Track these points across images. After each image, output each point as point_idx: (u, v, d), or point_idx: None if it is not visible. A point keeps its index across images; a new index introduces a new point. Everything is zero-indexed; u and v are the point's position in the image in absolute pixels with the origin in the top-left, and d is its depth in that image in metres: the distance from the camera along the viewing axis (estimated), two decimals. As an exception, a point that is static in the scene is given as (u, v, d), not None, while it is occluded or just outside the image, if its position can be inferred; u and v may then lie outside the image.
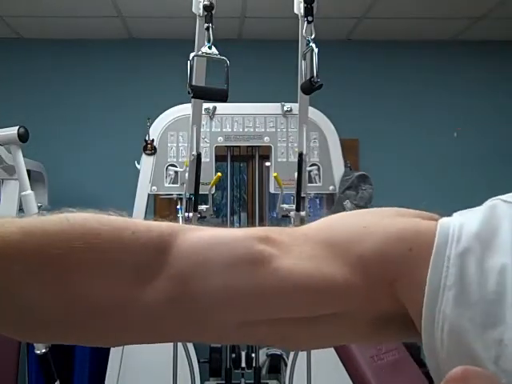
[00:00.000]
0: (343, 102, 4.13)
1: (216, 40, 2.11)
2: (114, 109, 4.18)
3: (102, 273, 0.53)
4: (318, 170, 3.15)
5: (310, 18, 2.14)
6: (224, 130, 3.17)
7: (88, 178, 4.10)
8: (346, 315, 0.56)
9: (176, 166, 3.11)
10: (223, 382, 3.18)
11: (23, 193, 2.57)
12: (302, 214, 2.91)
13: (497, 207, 0.54)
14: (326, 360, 2.75)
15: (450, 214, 0.58)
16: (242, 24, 4.06)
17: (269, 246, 0.55)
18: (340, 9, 3.79)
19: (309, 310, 0.56)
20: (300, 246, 0.56)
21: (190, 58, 2.10)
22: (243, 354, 3.16)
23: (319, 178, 3.15)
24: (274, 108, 3.19)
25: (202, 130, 2.83)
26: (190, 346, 2.99)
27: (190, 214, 2.86)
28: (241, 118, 3.18)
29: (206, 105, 2.93)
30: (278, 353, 3.22)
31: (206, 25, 2.12)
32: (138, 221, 0.56)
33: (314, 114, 3.02)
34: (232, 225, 3.54)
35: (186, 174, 2.85)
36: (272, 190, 3.16)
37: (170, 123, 3.16)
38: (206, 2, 2.14)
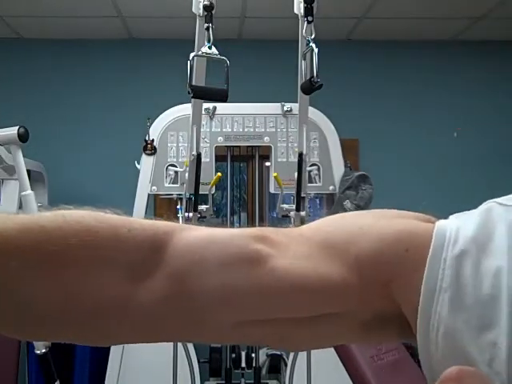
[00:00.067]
0: (343, 102, 4.13)
1: (216, 40, 2.11)
2: (114, 109, 4.19)
3: (97, 270, 0.53)
4: (318, 170, 3.15)
5: (309, 18, 2.14)
6: (224, 130, 3.17)
7: (88, 178, 4.10)
8: (343, 315, 0.56)
9: (176, 166, 3.11)
10: (223, 382, 3.18)
11: (23, 193, 2.57)
12: (302, 213, 2.91)
13: (492, 210, 0.55)
14: (326, 360, 2.75)
15: (449, 214, 0.58)
16: (242, 24, 4.06)
17: (266, 245, 0.55)
18: (340, 9, 3.79)
19: (305, 310, 0.56)
20: (297, 246, 0.56)
21: (190, 58, 2.10)
22: (243, 353, 3.16)
23: (319, 178, 3.15)
24: (273, 108, 3.20)
25: (202, 130, 2.83)
26: (190, 346, 3.00)
27: (190, 214, 2.86)
28: (241, 118, 3.18)
29: (205, 105, 2.93)
30: (278, 353, 3.22)
31: (206, 25, 2.13)
32: (133, 219, 0.56)
33: (314, 114, 3.02)
34: (232, 225, 3.54)
35: (186, 174, 2.85)
36: (272, 190, 3.16)
37: (170, 123, 3.16)
38: (205, 2, 2.14)
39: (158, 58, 4.20)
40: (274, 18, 3.85)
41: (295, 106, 2.93)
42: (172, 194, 3.13)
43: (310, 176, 3.09)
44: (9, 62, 4.21)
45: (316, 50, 2.05)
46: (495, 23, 4.03)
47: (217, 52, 2.10)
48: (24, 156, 2.65)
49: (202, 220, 2.99)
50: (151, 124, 3.11)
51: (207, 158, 3.07)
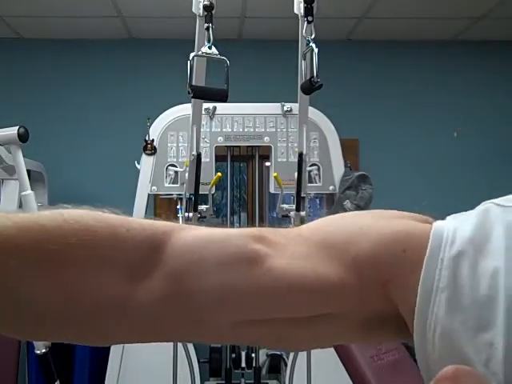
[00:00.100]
0: (343, 102, 4.13)
1: (216, 40, 2.11)
2: (114, 109, 4.19)
3: (96, 270, 0.53)
4: (318, 170, 3.15)
5: (309, 18, 2.14)
6: (224, 130, 3.17)
7: (88, 178, 4.10)
8: (340, 316, 0.56)
9: (176, 166, 3.11)
10: (223, 382, 3.18)
11: (23, 193, 2.57)
12: (302, 213, 2.91)
13: (490, 211, 0.55)
14: (326, 360, 2.75)
15: (449, 214, 0.58)
16: (242, 24, 4.06)
17: (264, 245, 0.55)
18: (340, 9, 3.79)
19: (303, 310, 0.56)
20: (295, 246, 0.56)
21: (190, 58, 2.10)
22: (243, 353, 3.16)
23: (319, 178, 3.15)
24: (273, 108, 3.20)
25: (202, 130, 2.83)
26: (190, 346, 3.00)
27: (190, 214, 2.86)
28: (241, 118, 3.18)
29: (205, 105, 2.93)
30: (278, 353, 3.22)
31: (206, 25, 2.13)
32: (132, 219, 0.56)
33: (314, 113, 3.02)
34: (232, 225, 3.54)
35: (186, 174, 2.85)
36: (272, 190, 3.16)
37: (170, 123, 3.16)
38: (205, 2, 2.14)
39: (158, 57, 4.20)
40: (274, 18, 3.85)
41: (295, 106, 2.93)
42: (172, 194, 3.13)
43: (310, 176, 3.09)
44: (9, 61, 4.21)
45: (316, 50, 2.05)
46: (495, 23, 4.03)
47: (217, 52, 2.10)
48: (24, 156, 2.65)
49: (201, 220, 2.99)
50: (151, 124, 3.11)
51: (207, 158, 3.07)
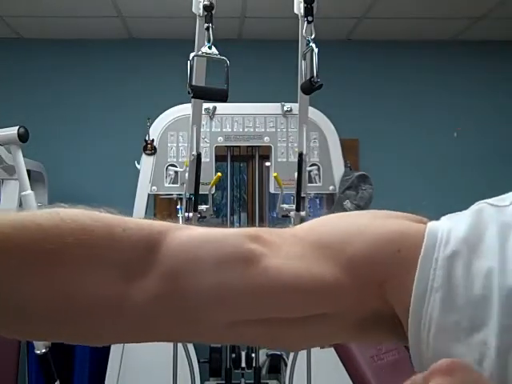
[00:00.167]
0: (343, 102, 4.13)
1: (216, 40, 2.11)
2: (114, 109, 4.19)
3: (93, 269, 0.53)
4: (318, 170, 3.15)
5: (309, 18, 2.14)
6: (224, 130, 3.17)
7: (88, 178, 4.10)
8: (336, 316, 0.56)
9: (176, 166, 3.11)
10: (223, 382, 3.18)
11: (23, 193, 2.57)
12: (302, 213, 2.91)
13: (484, 211, 0.55)
14: (326, 360, 2.75)
15: (445, 214, 0.58)
16: (242, 24, 4.06)
17: (259, 245, 0.55)
18: (340, 9, 3.79)
19: (298, 310, 0.56)
20: (290, 246, 0.56)
21: (190, 58, 2.10)
22: (243, 353, 3.16)
23: (319, 178, 3.15)
24: (273, 108, 3.19)
25: (202, 130, 2.83)
26: (190, 346, 3.00)
27: (190, 214, 2.86)
28: (241, 117, 3.18)
29: (205, 105, 2.93)
30: (278, 353, 3.22)
31: (206, 25, 2.13)
32: (128, 218, 0.56)
33: (314, 113, 3.02)
34: (232, 225, 3.54)
35: (186, 174, 2.85)
36: (272, 190, 3.16)
37: (170, 123, 3.16)
38: (205, 2, 2.14)
39: (158, 57, 4.20)
40: (274, 18, 3.85)
41: (295, 106, 2.93)
42: (172, 194, 3.13)
43: (310, 176, 3.09)
44: (9, 61, 4.21)
45: (316, 50, 2.05)
46: (495, 23, 4.03)
47: (217, 52, 2.10)
48: (24, 156, 2.65)
49: (201, 220, 2.99)
50: (151, 124, 3.11)
51: (207, 158, 3.07)
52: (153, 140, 3.10)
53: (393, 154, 4.21)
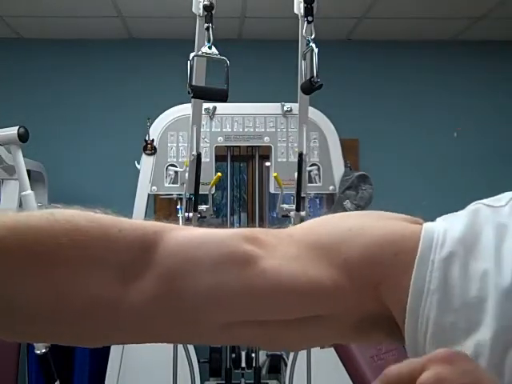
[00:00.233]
0: (343, 102, 4.13)
1: (216, 40, 2.11)
2: (114, 109, 4.18)
3: (87, 270, 0.53)
4: (318, 170, 3.15)
5: (310, 18, 2.14)
6: (224, 129, 3.17)
7: (88, 178, 4.09)
8: (332, 317, 0.56)
9: (176, 166, 3.11)
10: (223, 382, 3.18)
11: (23, 193, 2.58)
12: (302, 213, 2.91)
13: (479, 211, 0.55)
14: (326, 360, 2.75)
15: (445, 214, 0.58)
16: (242, 24, 4.06)
17: (256, 246, 0.55)
18: (340, 9, 3.79)
19: (295, 312, 0.56)
20: (286, 247, 0.56)
21: (190, 58, 2.10)
22: (243, 353, 3.15)
23: (319, 177, 3.15)
24: (273, 108, 3.19)
25: (202, 130, 2.83)
26: (190, 346, 2.99)
27: (190, 214, 2.86)
28: (241, 118, 3.18)
29: (205, 105, 2.93)
30: (278, 353, 3.22)
31: (206, 25, 2.12)
32: (124, 219, 0.56)
33: (314, 113, 3.02)
34: (232, 225, 3.54)
35: (186, 174, 2.85)
36: (272, 190, 3.16)
37: (170, 123, 3.16)
38: (205, 2, 2.14)
39: (158, 57, 4.20)
40: (274, 18, 3.85)
41: (295, 106, 2.93)
42: (172, 194, 3.13)
43: (310, 176, 3.09)
44: (9, 61, 4.21)
45: (316, 50, 2.05)
46: (495, 23, 4.03)
47: (217, 52, 2.09)
48: (24, 156, 2.65)
49: (202, 220, 2.99)
50: (151, 124, 3.11)
51: (207, 158, 3.07)
52: (153, 140, 3.10)
53: (393, 153, 4.21)
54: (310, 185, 3.04)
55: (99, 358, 3.15)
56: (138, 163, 3.14)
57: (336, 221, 0.60)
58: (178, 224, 0.61)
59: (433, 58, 4.33)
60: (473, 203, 0.57)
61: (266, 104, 3.21)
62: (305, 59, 2.19)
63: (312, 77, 2.07)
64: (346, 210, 3.01)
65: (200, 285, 0.53)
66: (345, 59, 4.26)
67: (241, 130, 3.18)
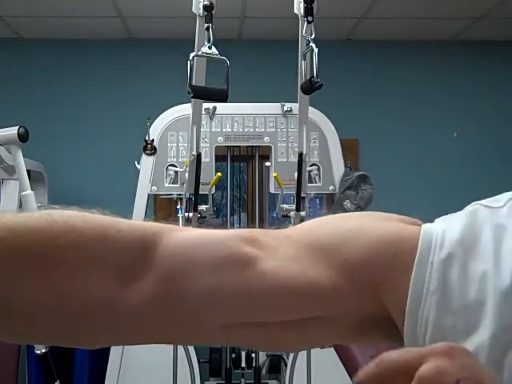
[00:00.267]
0: (343, 102, 4.13)
1: (216, 40, 2.11)
2: (114, 109, 4.18)
3: (86, 271, 0.53)
4: (318, 169, 3.15)
5: (309, 18, 2.14)
6: (224, 129, 3.17)
7: (88, 178, 4.09)
8: (332, 318, 0.56)
9: (176, 166, 3.11)
10: (223, 382, 3.18)
11: (23, 193, 2.58)
12: (302, 213, 2.91)
13: (478, 212, 0.55)
14: (326, 360, 2.75)
15: (445, 214, 0.58)
16: (242, 24, 4.06)
17: (255, 248, 0.55)
18: (340, 9, 3.79)
19: (294, 313, 0.56)
20: (285, 248, 0.56)
21: (190, 58, 2.10)
22: (243, 354, 3.15)
23: (319, 178, 3.15)
24: (273, 108, 3.19)
25: (202, 130, 2.83)
26: (190, 347, 2.99)
27: (190, 214, 2.86)
28: (241, 117, 3.18)
29: (205, 105, 2.93)
30: (278, 353, 3.22)
31: (206, 25, 2.12)
32: (122, 220, 0.56)
33: (314, 113, 3.02)
34: (232, 225, 3.54)
35: (186, 174, 2.85)
36: (272, 190, 3.16)
37: (170, 123, 3.16)
38: (205, 2, 2.14)
39: (158, 57, 4.20)
40: (274, 18, 3.85)
41: (295, 106, 2.92)
42: (172, 194, 3.13)
43: (310, 176, 3.09)
44: (9, 61, 4.21)
45: (316, 50, 2.05)
46: (495, 23, 4.03)
47: (217, 52, 2.09)
48: (24, 156, 2.65)
49: (202, 220, 2.99)
50: (151, 124, 3.11)
51: (207, 158, 3.06)
52: (153, 140, 3.10)
53: (393, 153, 4.21)
54: (310, 185, 3.04)
55: (99, 358, 3.15)
56: (138, 163, 3.14)
57: (335, 222, 0.60)
58: (178, 224, 0.61)
59: (433, 58, 4.33)
60: (471, 204, 0.57)
61: (265, 104, 3.21)
62: (305, 59, 2.19)
63: (312, 77, 2.07)
64: (346, 210, 3.01)
65: (200, 285, 0.53)
66: (345, 59, 4.26)
67: (241, 130, 3.18)
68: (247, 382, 3.16)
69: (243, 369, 3.16)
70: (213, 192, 3.10)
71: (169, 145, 3.14)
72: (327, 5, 3.39)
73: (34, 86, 4.18)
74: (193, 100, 2.49)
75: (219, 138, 3.16)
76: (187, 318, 0.55)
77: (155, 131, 3.12)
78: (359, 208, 3.04)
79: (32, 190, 2.60)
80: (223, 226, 3.59)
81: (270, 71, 4.15)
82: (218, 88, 2.10)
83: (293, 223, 2.94)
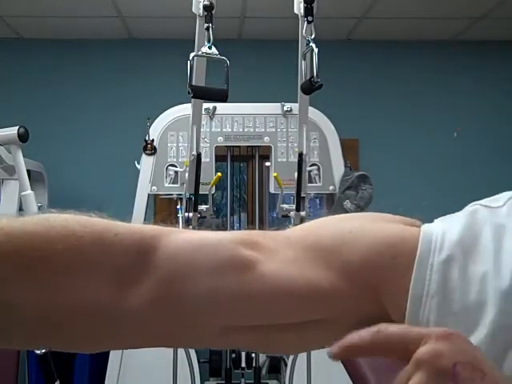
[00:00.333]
0: (343, 102, 4.13)
1: (216, 40, 2.11)
2: (114, 109, 4.18)
3: (84, 275, 0.53)
4: (318, 170, 3.15)
5: (309, 18, 2.14)
6: (224, 129, 3.17)
7: (88, 178, 4.09)
8: (331, 321, 0.56)
9: (176, 166, 3.11)
10: (223, 382, 3.18)
11: (23, 193, 2.58)
12: (302, 213, 2.91)
13: (477, 212, 0.55)
14: (326, 360, 2.74)
15: (449, 214, 0.58)
16: (242, 24, 4.06)
17: (254, 251, 0.55)
18: (340, 9, 3.79)
19: (294, 316, 0.55)
20: (284, 250, 0.56)
21: (190, 58, 2.10)
22: (243, 354, 3.15)
23: (319, 178, 3.15)
24: (273, 108, 3.19)
25: (202, 130, 2.83)
26: (190, 346, 2.99)
27: (190, 214, 2.86)
28: (241, 118, 3.18)
29: (205, 105, 2.93)
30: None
31: (206, 25, 2.12)
32: (120, 223, 0.56)
33: (314, 113, 3.02)
34: (232, 225, 3.54)
35: (186, 174, 2.85)
36: (272, 190, 3.16)
37: (170, 123, 3.16)
38: (206, 2, 2.14)
39: (158, 58, 4.20)
40: (274, 18, 3.85)
41: (295, 106, 2.92)
42: (172, 194, 3.13)
43: (310, 176, 3.09)
44: (9, 61, 4.21)
45: (316, 50, 2.05)
46: (495, 23, 4.03)
47: (217, 52, 2.09)
48: (24, 156, 2.65)
49: (202, 220, 2.99)
50: (151, 124, 3.11)
51: (207, 158, 3.06)
52: (153, 140, 3.10)
53: (393, 153, 4.21)
54: (309, 185, 3.03)
55: (99, 358, 3.15)
56: (138, 163, 3.14)
57: (335, 223, 0.60)
58: (177, 226, 0.61)
59: (433, 58, 4.33)
60: (470, 204, 0.57)
61: (266, 104, 3.21)
62: (305, 59, 2.18)
63: (312, 77, 2.07)
64: (346, 210, 3.01)
65: (200, 288, 0.53)
66: (345, 59, 4.26)
67: (241, 130, 3.18)
68: (247, 382, 3.16)
69: (243, 369, 3.15)
70: (213, 192, 3.10)
71: (169, 145, 3.14)
72: (327, 5, 3.39)
73: (33, 86, 4.18)
74: (193, 100, 2.49)
75: (219, 138, 3.16)
76: (187, 321, 0.54)
77: (155, 131, 3.12)
78: (359, 208, 3.04)
79: (32, 190, 2.60)
80: (223, 225, 3.59)
81: (270, 71, 4.15)
82: (218, 88, 2.10)
83: (293, 223, 2.94)
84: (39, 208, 2.81)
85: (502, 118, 4.29)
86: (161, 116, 3.18)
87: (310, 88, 2.12)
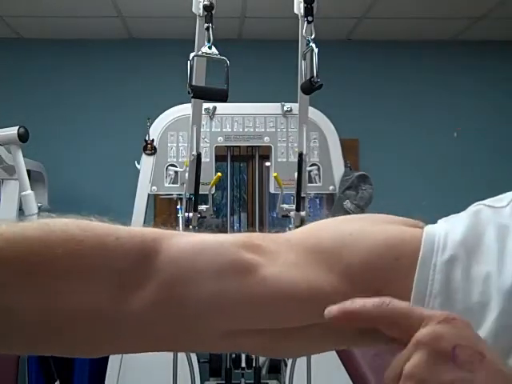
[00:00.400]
0: (343, 102, 4.13)
1: (216, 40, 2.11)
2: (114, 109, 4.18)
3: (85, 279, 0.52)
4: (318, 169, 3.15)
5: (309, 18, 2.14)
6: (224, 130, 3.17)
7: (88, 178, 4.09)
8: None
9: (176, 166, 3.11)
10: (223, 382, 3.18)
11: (23, 193, 2.58)
12: (302, 214, 2.91)
13: (481, 212, 0.55)
14: (326, 360, 2.75)
15: (449, 214, 0.58)
16: (242, 24, 4.06)
17: (256, 254, 0.55)
18: (340, 9, 3.79)
19: (296, 320, 0.55)
20: (285, 253, 0.56)
21: (190, 58, 2.10)
22: (243, 354, 3.15)
23: (319, 178, 3.15)
24: (273, 108, 3.19)
25: (202, 130, 2.83)
26: (190, 346, 2.99)
27: (190, 214, 2.86)
28: (241, 117, 3.18)
29: (205, 105, 2.93)
30: (278, 353, 3.21)
31: (206, 25, 2.12)
32: (121, 227, 0.56)
33: (314, 113, 3.02)
34: (232, 225, 3.54)
35: (186, 174, 2.85)
36: (272, 190, 3.16)
37: (170, 123, 3.16)
38: (206, 2, 2.14)
39: (158, 58, 4.20)
40: (274, 18, 3.85)
41: (295, 106, 2.92)
42: (172, 194, 3.13)
43: (310, 176, 3.09)
44: (9, 61, 4.21)
45: (316, 50, 2.05)
46: (495, 23, 4.03)
47: (217, 52, 2.09)
48: (24, 156, 2.65)
49: (202, 220, 2.99)
50: (151, 124, 3.11)
51: (207, 158, 3.06)
52: (153, 140, 3.10)
53: (393, 153, 4.21)
54: (309, 185, 3.03)
55: (99, 358, 3.14)
56: (138, 163, 3.14)
57: (336, 225, 0.60)
58: (178, 225, 0.61)
59: (433, 58, 4.33)
60: (474, 204, 0.56)
61: (266, 104, 3.21)
62: (305, 59, 2.19)
63: (312, 77, 2.07)
64: (346, 210, 3.01)
65: (202, 292, 0.53)
66: (345, 59, 4.26)
67: (241, 129, 3.18)
68: (247, 382, 3.15)
69: (243, 369, 3.15)
70: (213, 192, 3.10)
71: (169, 145, 3.14)
72: (327, 5, 3.39)
73: (33, 86, 4.18)
74: (193, 100, 2.49)
75: (219, 138, 3.16)
76: (188, 325, 0.54)
77: (155, 131, 3.12)
78: (359, 208, 3.04)
79: (32, 190, 2.60)
80: (223, 226, 3.59)
81: (270, 71, 4.15)
82: (218, 88, 2.10)
83: (293, 223, 2.94)
84: (39, 208, 2.81)
85: (502, 118, 4.29)
86: (161, 116, 3.18)
87: (309, 88, 2.12)
